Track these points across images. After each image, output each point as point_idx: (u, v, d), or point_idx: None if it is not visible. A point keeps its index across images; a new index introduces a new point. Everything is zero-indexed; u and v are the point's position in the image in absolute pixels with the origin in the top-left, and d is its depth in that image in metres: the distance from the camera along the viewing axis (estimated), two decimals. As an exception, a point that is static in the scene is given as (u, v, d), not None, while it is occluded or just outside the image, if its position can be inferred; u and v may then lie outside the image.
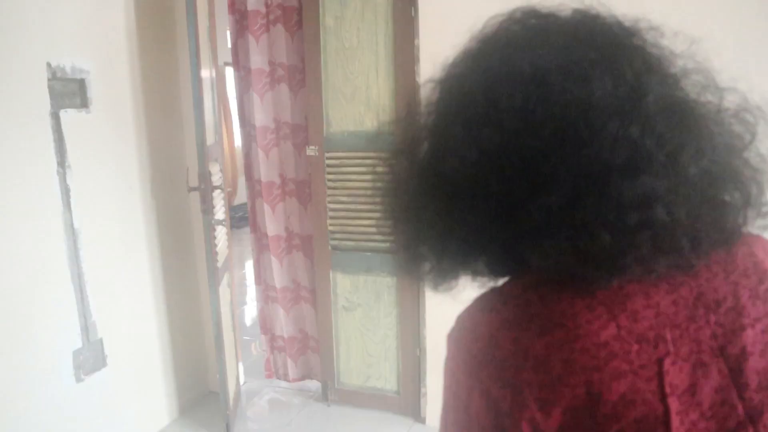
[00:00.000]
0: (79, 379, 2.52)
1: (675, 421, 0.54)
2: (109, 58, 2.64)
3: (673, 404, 0.54)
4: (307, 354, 3.39)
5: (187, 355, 3.24)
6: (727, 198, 0.60)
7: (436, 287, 0.71)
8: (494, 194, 0.59)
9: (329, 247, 3.06)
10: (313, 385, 3.42)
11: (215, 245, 2.79)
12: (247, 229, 3.41)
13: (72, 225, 2.45)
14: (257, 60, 3.03)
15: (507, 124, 0.57)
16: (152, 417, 3.02)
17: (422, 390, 2.98)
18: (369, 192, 2.92)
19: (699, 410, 0.55)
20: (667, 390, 0.54)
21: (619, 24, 0.62)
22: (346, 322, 3.13)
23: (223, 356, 2.84)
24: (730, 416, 0.55)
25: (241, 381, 3.52)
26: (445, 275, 0.69)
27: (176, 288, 3.13)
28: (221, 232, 2.99)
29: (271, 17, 2.98)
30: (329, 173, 2.98)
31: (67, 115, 2.41)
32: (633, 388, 0.54)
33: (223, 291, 2.98)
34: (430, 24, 2.64)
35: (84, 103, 2.50)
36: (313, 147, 2.97)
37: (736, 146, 0.61)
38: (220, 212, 2.92)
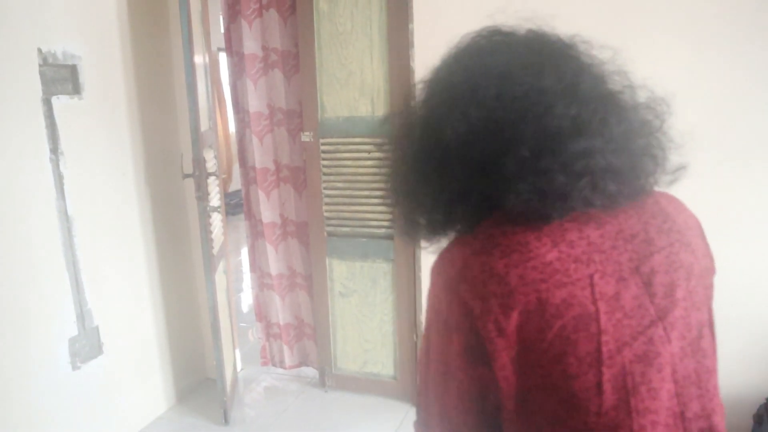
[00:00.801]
0: (75, 367, 2.51)
1: (603, 317, 0.73)
2: (101, 43, 2.62)
3: (602, 306, 0.74)
4: (303, 341, 3.40)
5: (183, 342, 3.24)
6: (641, 162, 0.82)
7: (429, 243, 0.92)
8: (478, 155, 0.80)
9: (325, 233, 3.06)
10: (310, 371, 3.43)
11: (211, 232, 2.78)
12: (242, 216, 3.40)
13: (66, 212, 2.44)
14: (250, 45, 3.01)
15: (486, 104, 0.78)
16: (149, 404, 3.03)
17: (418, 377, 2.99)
18: (364, 177, 2.92)
19: (622, 311, 0.75)
20: (597, 296, 0.74)
21: (560, 39, 0.85)
22: (342, 308, 3.13)
23: (219, 343, 2.84)
24: (645, 316, 0.76)
25: (239, 368, 3.52)
26: (435, 232, 0.90)
27: (172, 275, 3.12)
28: (216, 219, 2.98)
29: (264, 1, 2.95)
30: (324, 159, 2.97)
31: (60, 102, 2.39)
32: (571, 295, 0.73)
33: (219, 278, 2.97)
34: (425, 9, 2.62)
35: (76, 90, 2.48)
36: (307, 133, 2.95)
37: (647, 126, 0.84)
38: (215, 199, 2.91)
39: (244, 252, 6.05)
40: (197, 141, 2.65)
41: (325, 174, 2.98)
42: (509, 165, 0.77)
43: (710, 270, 0.87)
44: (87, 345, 2.58)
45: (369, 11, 2.74)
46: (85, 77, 2.51)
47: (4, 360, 2.21)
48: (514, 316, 0.73)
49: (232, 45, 3.09)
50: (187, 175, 2.76)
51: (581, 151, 0.76)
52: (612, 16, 2.35)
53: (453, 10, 2.53)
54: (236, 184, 7.48)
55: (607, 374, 0.73)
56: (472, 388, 0.79)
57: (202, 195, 2.72)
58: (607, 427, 0.74)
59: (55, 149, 2.38)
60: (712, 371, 0.82)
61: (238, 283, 5.26)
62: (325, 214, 3.04)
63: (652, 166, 0.84)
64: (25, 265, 2.29)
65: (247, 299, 4.90)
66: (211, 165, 2.85)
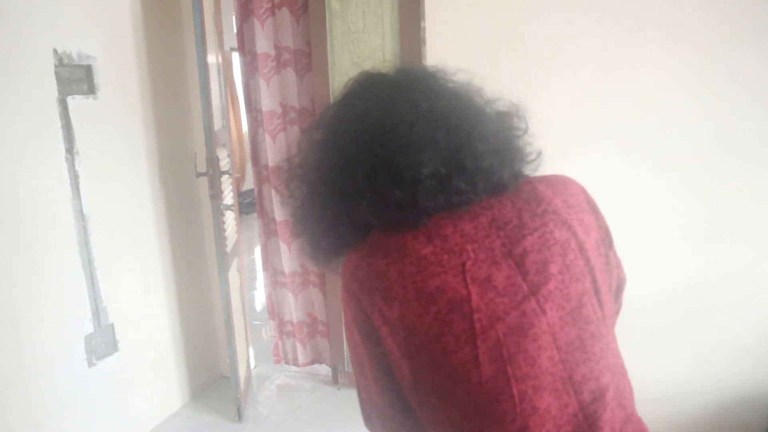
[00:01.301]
0: (91, 364, 2.54)
1: (475, 298, 0.83)
2: (115, 44, 2.64)
3: (474, 289, 0.83)
4: (316, 338, 3.41)
5: (197, 339, 3.26)
6: (490, 161, 0.90)
7: (331, 263, 1.04)
8: (342, 184, 0.92)
9: (337, 232, 3.06)
10: (323, 369, 3.44)
11: (224, 230, 2.80)
12: (255, 215, 3.41)
13: (81, 211, 2.47)
14: (263, 44, 3.02)
15: (343, 145, 0.93)
16: (163, 401, 3.05)
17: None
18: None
19: (494, 291, 0.84)
20: (469, 280, 0.84)
21: (424, 70, 0.99)
22: (355, 306, 3.13)
23: (233, 341, 2.86)
24: (517, 292, 0.84)
25: (252, 365, 3.54)
26: (334, 252, 1.01)
27: (186, 273, 3.14)
28: (230, 218, 2.99)
29: (277, 1, 2.96)
30: (337, 157, 2.97)
31: (75, 102, 2.42)
32: (444, 281, 0.84)
33: (233, 276, 2.99)
34: (436, 6, 2.61)
35: (91, 90, 2.50)
36: (320, 131, 2.96)
37: (504, 129, 0.96)
38: (228, 197, 2.93)
39: (257, 251, 6.08)
40: (210, 140, 2.66)
41: (337, 172, 2.98)
42: (360, 187, 0.90)
43: (601, 240, 0.96)
44: (102, 342, 2.60)
45: (381, 9, 2.74)
46: (100, 77, 2.53)
47: (22, 357, 2.24)
48: (396, 306, 0.85)
49: (245, 44, 3.11)
50: (200, 174, 2.77)
51: (408, 163, 0.87)
52: (611, 17, 2.33)
53: (465, 8, 2.53)
54: (249, 183, 7.51)
55: (483, 347, 0.82)
56: (379, 368, 0.91)
57: (216, 193, 2.73)
58: (489, 394, 0.82)
59: (70, 149, 2.41)
60: (597, 336, 0.87)
61: (252, 282, 5.29)
62: (338, 212, 3.03)
63: (512, 160, 0.94)
64: (42, 263, 2.31)
65: (260, 297, 4.92)
66: (224, 164, 2.87)
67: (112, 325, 2.65)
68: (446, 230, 0.87)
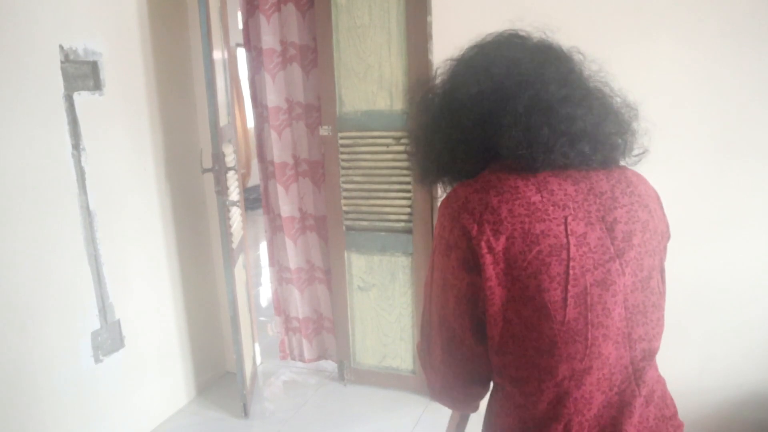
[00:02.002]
0: (97, 360, 2.55)
1: (573, 248, 0.95)
2: (121, 40, 2.64)
3: (572, 240, 0.95)
4: (322, 334, 3.41)
5: (203, 336, 3.26)
6: (614, 140, 1.05)
7: (435, 185, 1.17)
8: (483, 110, 1.02)
9: (343, 228, 3.06)
10: (329, 365, 3.44)
11: (230, 226, 2.79)
12: (261, 211, 3.41)
13: (88, 207, 2.47)
14: (268, 40, 3.01)
15: (496, 77, 1.02)
16: (170, 397, 3.06)
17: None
18: (383, 171, 2.92)
19: (588, 246, 0.96)
20: (569, 232, 0.95)
21: (561, 48, 1.08)
22: (361, 302, 3.13)
23: (239, 337, 2.86)
24: (606, 252, 0.97)
25: (258, 361, 3.55)
26: (442, 174, 1.13)
27: (192, 269, 3.14)
28: (236, 213, 2.99)
29: (282, -4, 2.95)
30: (343, 153, 2.97)
31: (81, 98, 2.41)
32: (548, 228, 0.95)
33: (239, 272, 2.99)
34: (443, 1, 2.60)
35: (97, 86, 2.50)
36: (326, 127, 2.96)
37: (620, 117, 1.07)
38: (234, 193, 2.92)
39: (263, 246, 6.08)
40: (216, 136, 2.66)
41: (343, 168, 2.98)
42: (507, 119, 0.99)
43: (664, 233, 1.09)
44: (109, 338, 2.60)
45: (387, 4, 2.73)
46: (106, 73, 2.53)
47: (28, 353, 2.24)
48: (502, 240, 0.95)
49: (251, 40, 3.10)
50: (206, 170, 2.77)
51: (564, 115, 0.98)
52: (611, 17, 2.34)
53: (471, 3, 2.51)
54: (255, 178, 7.51)
55: (572, 291, 0.95)
56: (466, 293, 1.01)
57: (222, 189, 2.73)
58: (568, 333, 0.95)
59: (77, 145, 2.41)
60: (657, 306, 1.03)
61: (257, 278, 5.29)
62: (344, 207, 3.04)
63: (621, 145, 1.07)
64: (48, 259, 2.31)
65: (266, 293, 4.93)
66: (230, 160, 2.86)
67: (118, 321, 2.65)
68: (552, 186, 0.99)
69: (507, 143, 0.99)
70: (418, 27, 2.69)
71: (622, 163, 1.11)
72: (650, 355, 1.02)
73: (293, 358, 3.48)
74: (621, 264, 0.98)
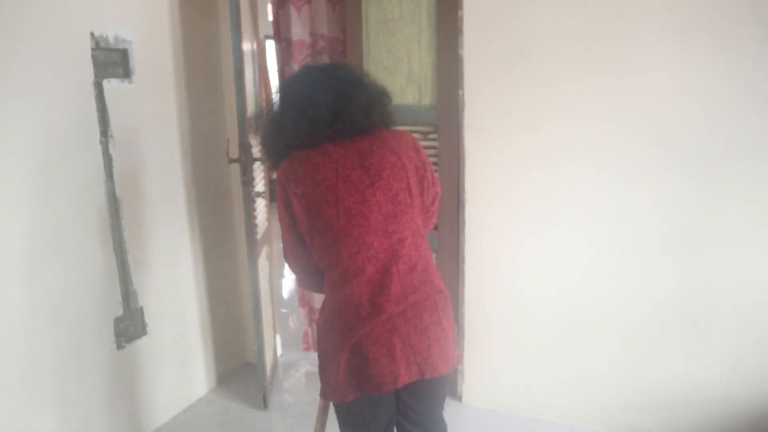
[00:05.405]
0: (120, 347, 2.56)
1: (340, 184, 1.57)
2: (151, 28, 2.64)
3: (340, 181, 1.57)
4: (344, 328, 3.39)
5: (225, 326, 3.27)
6: (367, 116, 1.66)
7: (272, 163, 1.79)
8: (288, 125, 1.67)
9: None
10: (349, 359, 3.42)
11: (254, 217, 2.79)
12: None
13: (114, 194, 2.48)
14: (298, 31, 3.00)
15: (289, 104, 1.70)
16: (190, 386, 3.07)
17: (459, 367, 2.95)
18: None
19: (351, 182, 1.58)
20: (338, 176, 1.58)
21: (345, 66, 1.78)
22: (383, 298, 3.10)
23: (260, 328, 2.86)
24: (362, 183, 1.58)
25: (279, 353, 3.55)
26: (279, 157, 1.72)
27: (215, 259, 3.15)
28: (261, 205, 2.99)
29: (313, -13, 2.94)
30: (369, 147, 2.94)
31: (110, 85, 2.42)
32: (327, 174, 1.58)
33: (262, 263, 2.99)
34: (475, -5, 2.57)
35: (126, 73, 2.51)
36: (353, 120, 2.93)
37: (376, 98, 1.72)
38: (259, 184, 2.92)
39: (287, 239, 6.08)
40: (243, 127, 2.65)
41: (369, 162, 2.96)
42: (292, 125, 1.66)
43: (417, 166, 1.68)
44: (131, 325, 2.62)
45: (418, -2, 2.69)
46: (136, 61, 2.54)
47: (52, 338, 2.26)
48: (300, 187, 1.59)
49: (280, 31, 3.09)
50: (232, 160, 2.77)
51: (316, 113, 1.62)
52: (610, 17, 2.31)
53: (504, -2, 2.48)
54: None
55: (341, 208, 1.57)
56: (290, 222, 1.66)
57: (247, 180, 2.73)
58: (342, 232, 1.57)
59: (105, 132, 2.42)
60: (403, 212, 1.61)
61: (280, 269, 5.29)
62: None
63: (376, 119, 1.68)
64: (73, 245, 2.33)
65: (288, 285, 4.93)
66: (256, 150, 2.86)
67: (141, 309, 2.66)
68: (330, 151, 1.61)
69: (294, 139, 1.66)
70: (448, 21, 2.65)
71: (383, 128, 1.70)
72: (401, 241, 1.59)
73: (316, 350, 3.47)
74: (374, 189, 1.58)
